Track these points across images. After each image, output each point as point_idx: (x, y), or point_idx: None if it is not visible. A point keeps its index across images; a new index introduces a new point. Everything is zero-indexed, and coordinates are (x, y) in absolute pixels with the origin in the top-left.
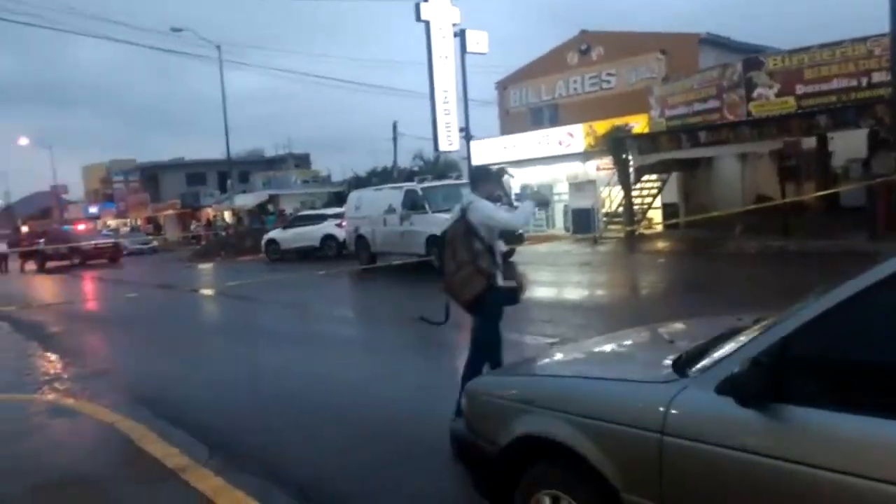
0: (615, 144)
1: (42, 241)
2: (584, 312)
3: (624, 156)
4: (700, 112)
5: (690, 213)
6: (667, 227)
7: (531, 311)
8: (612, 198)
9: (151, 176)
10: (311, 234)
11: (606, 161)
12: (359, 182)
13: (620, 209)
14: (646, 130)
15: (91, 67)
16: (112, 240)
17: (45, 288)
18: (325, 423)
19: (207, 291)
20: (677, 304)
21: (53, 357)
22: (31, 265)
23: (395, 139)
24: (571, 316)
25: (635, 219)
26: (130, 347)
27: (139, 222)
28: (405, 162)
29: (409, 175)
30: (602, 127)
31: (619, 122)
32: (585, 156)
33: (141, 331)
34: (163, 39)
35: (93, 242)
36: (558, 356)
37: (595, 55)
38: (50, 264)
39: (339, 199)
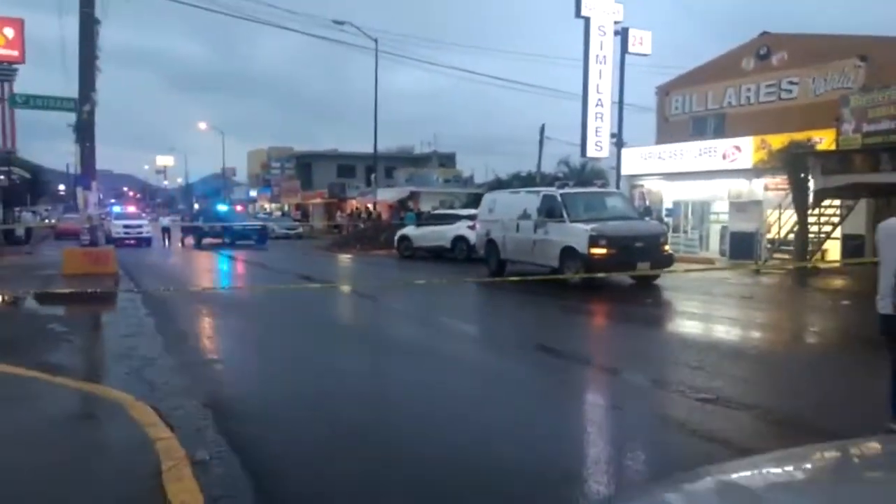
0: (794, 162)
1: (200, 219)
2: (747, 362)
3: (803, 175)
4: None
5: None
6: (847, 262)
7: (677, 351)
8: (782, 222)
9: (305, 164)
10: (442, 234)
11: (778, 180)
12: (499, 184)
13: (791, 236)
14: (832, 147)
15: (263, 61)
16: (260, 223)
17: (189, 265)
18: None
19: (339, 286)
20: (871, 366)
21: (158, 341)
22: (189, 241)
23: (541, 142)
24: (730, 365)
25: (809, 249)
26: (238, 342)
27: (288, 208)
28: (550, 167)
29: (551, 181)
30: (778, 141)
31: (799, 136)
32: (753, 173)
33: (257, 325)
34: (327, 33)
35: (242, 224)
36: None
37: (776, 60)
38: (205, 241)
39: (477, 200)
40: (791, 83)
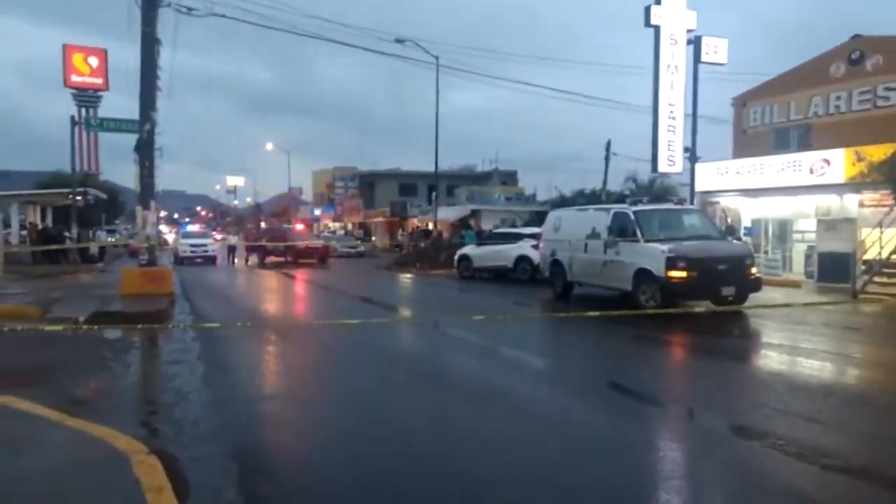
0: None
1: (265, 238)
2: (874, 413)
3: None
4: None
5: None
6: None
7: (786, 397)
8: (883, 242)
9: (368, 183)
10: (504, 254)
11: (875, 196)
12: (563, 202)
13: (895, 257)
14: None
15: (328, 84)
16: (322, 242)
17: (248, 285)
18: None
19: (399, 311)
20: None
21: (199, 371)
22: (254, 258)
23: (607, 158)
24: (850, 414)
25: None
26: (285, 376)
27: (351, 227)
28: (616, 184)
29: (618, 198)
30: (879, 152)
31: None
32: (846, 188)
33: (308, 355)
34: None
35: (305, 243)
36: None
37: (870, 65)
38: (269, 259)
39: (540, 218)
40: (889, 90)
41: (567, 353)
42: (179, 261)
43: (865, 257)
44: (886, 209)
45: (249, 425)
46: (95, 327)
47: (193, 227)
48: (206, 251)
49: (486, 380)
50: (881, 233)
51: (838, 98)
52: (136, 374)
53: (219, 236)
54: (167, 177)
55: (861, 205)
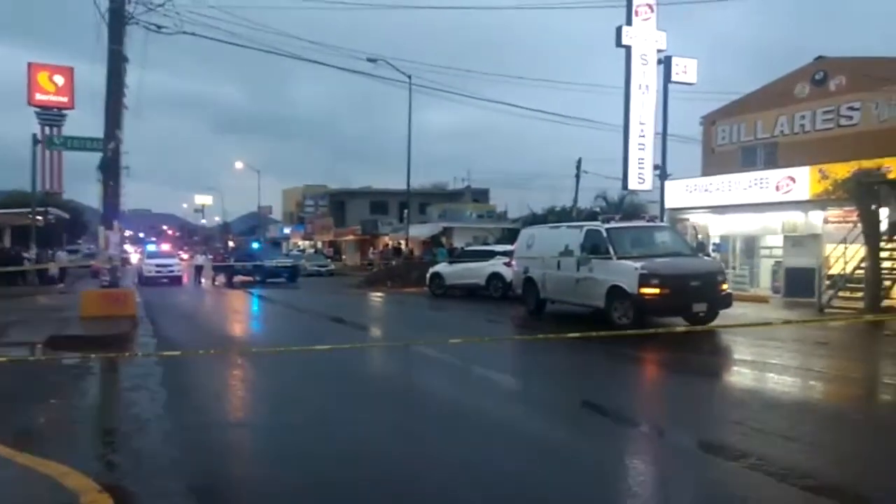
0: (864, 192)
1: (232, 257)
2: (849, 430)
3: (874, 206)
4: None
5: None
6: None
7: (762, 415)
8: (847, 258)
9: (339, 202)
10: (477, 272)
11: (839, 213)
12: (535, 220)
13: (858, 273)
14: None
15: (299, 103)
16: (291, 261)
17: (214, 306)
18: None
19: (370, 332)
20: None
21: (160, 397)
22: (221, 278)
23: (577, 176)
24: (825, 431)
25: (883, 286)
26: (252, 400)
27: (321, 245)
28: (586, 202)
29: (589, 215)
30: (842, 170)
31: (868, 164)
32: (811, 205)
33: (276, 377)
34: (362, 68)
35: (274, 262)
36: None
37: (833, 85)
38: (236, 279)
39: (512, 235)
40: (852, 109)
41: (541, 372)
42: (144, 281)
43: (830, 272)
44: (850, 225)
45: (213, 456)
46: (50, 352)
47: (160, 247)
48: (172, 271)
49: (456, 400)
50: (845, 249)
51: (803, 117)
52: (94, 402)
53: (185, 256)
54: (133, 196)
55: (826, 221)
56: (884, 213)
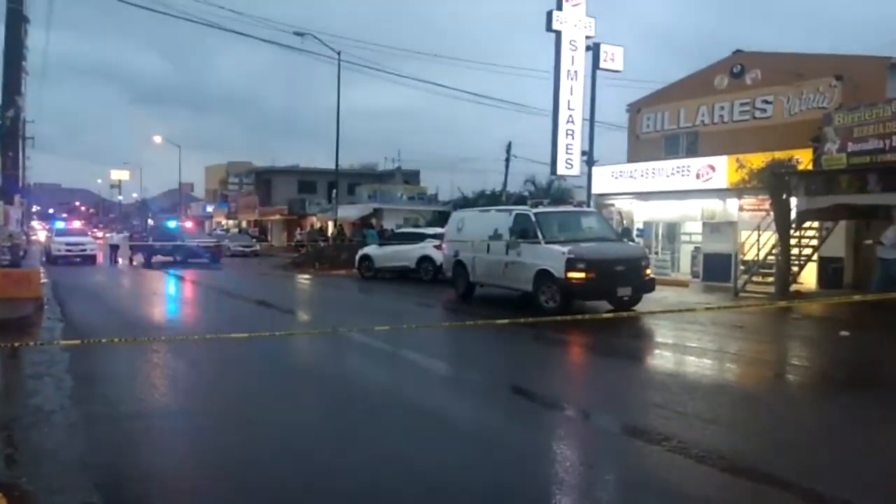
0: (777, 182)
1: (150, 236)
2: (767, 411)
3: (785, 196)
4: None
5: (858, 271)
6: (823, 286)
7: (676, 393)
8: (760, 245)
9: (265, 180)
10: (407, 254)
11: (753, 201)
12: (465, 203)
13: (770, 258)
14: (810, 167)
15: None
16: (214, 240)
17: (130, 287)
18: None
19: (297, 315)
20: None
21: (66, 385)
22: (139, 258)
23: (507, 160)
24: (744, 413)
25: (792, 272)
26: (167, 386)
27: (246, 225)
28: (516, 186)
29: (518, 199)
30: (757, 161)
31: (780, 155)
32: (728, 193)
33: (194, 363)
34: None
35: (195, 241)
36: None
37: (749, 79)
38: (155, 259)
39: (443, 218)
40: (766, 102)
41: (471, 357)
42: (53, 260)
43: (745, 258)
44: (763, 213)
45: (124, 451)
46: None
47: (70, 224)
48: (85, 250)
49: (384, 386)
50: (759, 236)
51: (722, 108)
52: None
53: (100, 234)
54: (41, 168)
55: (741, 209)
56: (794, 202)
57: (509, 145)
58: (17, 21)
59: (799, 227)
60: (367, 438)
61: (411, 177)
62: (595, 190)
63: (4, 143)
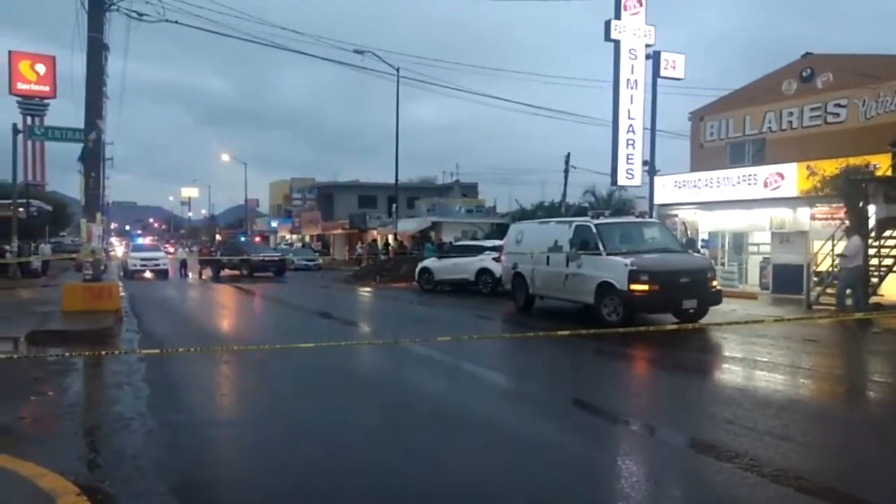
0: (853, 189)
1: (219, 251)
2: (840, 429)
3: (862, 203)
4: None
5: None
6: None
7: (747, 408)
8: (835, 255)
9: (327, 195)
10: (466, 267)
11: (826, 209)
12: (524, 215)
13: None
14: (889, 173)
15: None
16: (279, 255)
17: (200, 301)
18: None
19: (359, 327)
20: None
21: (143, 394)
22: (208, 272)
23: (566, 171)
24: (817, 430)
25: (871, 283)
26: (239, 398)
27: (309, 239)
28: (575, 197)
29: (578, 211)
30: (829, 167)
31: (856, 161)
32: (798, 201)
33: (265, 375)
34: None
35: (261, 255)
36: None
37: (820, 82)
38: (223, 273)
39: (501, 230)
40: (838, 106)
41: (532, 370)
42: (129, 275)
43: (818, 269)
44: (837, 222)
45: (198, 456)
46: (30, 347)
47: (145, 240)
48: (158, 264)
49: (446, 400)
50: (833, 245)
51: (791, 114)
52: (75, 399)
53: (171, 249)
54: (118, 188)
55: (813, 218)
56: (871, 209)
57: (568, 156)
58: (97, 49)
59: (879, 236)
60: (426, 448)
61: (469, 190)
62: (657, 200)
63: (87, 164)
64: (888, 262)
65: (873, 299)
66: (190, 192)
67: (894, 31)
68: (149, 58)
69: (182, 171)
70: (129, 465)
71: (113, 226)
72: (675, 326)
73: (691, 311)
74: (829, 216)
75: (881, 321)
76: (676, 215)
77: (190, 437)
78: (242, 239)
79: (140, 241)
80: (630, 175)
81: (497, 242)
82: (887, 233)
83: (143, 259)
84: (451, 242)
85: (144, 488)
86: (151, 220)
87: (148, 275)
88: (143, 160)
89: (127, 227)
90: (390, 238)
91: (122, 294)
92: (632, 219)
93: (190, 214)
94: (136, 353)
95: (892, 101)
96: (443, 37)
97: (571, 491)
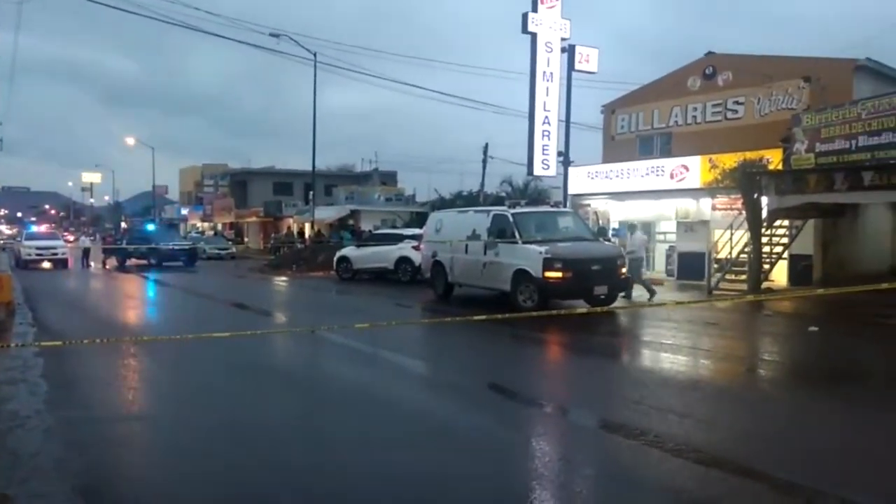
0: (748, 181)
1: (124, 239)
2: (740, 406)
3: (756, 195)
4: (868, 148)
5: (827, 269)
6: (793, 283)
7: (652, 388)
8: (733, 243)
9: (240, 182)
10: (385, 255)
11: (725, 200)
12: (443, 204)
13: (742, 257)
14: (780, 167)
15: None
16: (189, 243)
17: (103, 291)
18: None
19: (274, 317)
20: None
21: (41, 390)
22: (113, 261)
23: (484, 161)
24: (718, 408)
25: (764, 269)
26: (144, 390)
27: (222, 227)
28: (492, 187)
29: (495, 200)
30: (730, 161)
31: (752, 155)
32: (701, 192)
33: (171, 365)
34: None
35: (170, 244)
36: None
37: (721, 80)
38: (130, 262)
39: (421, 219)
40: (737, 103)
41: (450, 356)
42: (23, 265)
43: (718, 257)
44: (735, 213)
45: (101, 450)
46: None
47: (40, 227)
48: (56, 254)
49: (361, 385)
50: (731, 234)
51: (695, 109)
52: None
53: (71, 238)
54: (10, 172)
55: (714, 208)
56: (764, 201)
57: (486, 146)
58: None
59: (770, 226)
60: (341, 439)
61: (388, 178)
62: (571, 190)
63: None
64: (778, 249)
65: (765, 284)
66: (92, 177)
67: (786, 32)
68: (44, 32)
69: (83, 155)
70: (26, 465)
71: (3, 212)
72: (585, 310)
73: (602, 296)
74: (728, 206)
75: (770, 305)
76: (589, 205)
77: (93, 434)
78: (150, 227)
79: (34, 228)
80: (545, 165)
81: (416, 231)
82: (777, 222)
83: (38, 248)
84: (370, 231)
85: (45, 490)
86: (48, 207)
87: (46, 265)
88: (38, 143)
89: (19, 214)
90: (307, 226)
91: (15, 286)
92: (547, 208)
93: (92, 201)
94: (33, 347)
95: (784, 99)
96: (362, 22)
97: (485, 472)
